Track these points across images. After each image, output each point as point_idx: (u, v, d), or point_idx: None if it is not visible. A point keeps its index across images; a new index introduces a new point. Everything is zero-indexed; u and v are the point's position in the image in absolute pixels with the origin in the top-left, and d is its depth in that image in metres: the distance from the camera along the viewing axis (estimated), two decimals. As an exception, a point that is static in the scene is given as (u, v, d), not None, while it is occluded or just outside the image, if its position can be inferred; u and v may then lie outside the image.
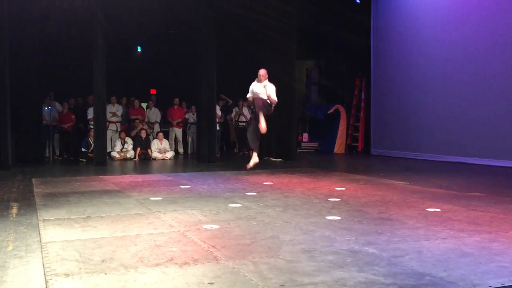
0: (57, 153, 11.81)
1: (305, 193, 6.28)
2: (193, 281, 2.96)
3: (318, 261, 3.34)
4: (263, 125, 7.14)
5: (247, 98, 7.96)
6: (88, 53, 10.50)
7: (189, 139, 13.07)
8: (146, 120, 12.53)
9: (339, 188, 6.68)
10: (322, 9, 13.28)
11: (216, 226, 4.39)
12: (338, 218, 4.74)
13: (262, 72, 7.68)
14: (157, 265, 3.27)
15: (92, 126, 11.21)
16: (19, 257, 3.51)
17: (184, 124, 12.88)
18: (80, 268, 3.20)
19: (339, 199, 5.79)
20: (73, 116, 11.78)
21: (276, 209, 5.23)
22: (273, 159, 11.47)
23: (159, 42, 13.48)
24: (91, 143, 11.11)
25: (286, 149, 11.51)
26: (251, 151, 7.80)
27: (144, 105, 13.10)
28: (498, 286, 2.87)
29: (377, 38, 12.92)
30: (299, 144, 13.67)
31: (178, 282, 2.95)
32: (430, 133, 11.34)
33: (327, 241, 3.86)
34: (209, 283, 2.91)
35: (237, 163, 10.42)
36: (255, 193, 6.27)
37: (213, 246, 3.70)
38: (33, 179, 7.74)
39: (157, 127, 12.59)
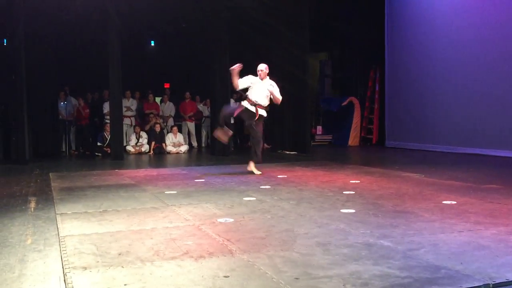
0: (73, 147, 11.96)
1: (320, 186, 6.26)
2: (209, 274, 2.98)
3: (333, 254, 3.33)
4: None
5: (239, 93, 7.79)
6: (103, 48, 10.59)
7: (203, 133, 13.12)
8: (160, 114, 12.60)
9: (354, 181, 6.65)
10: (335, 0, 13.18)
11: (231, 220, 4.41)
12: (353, 211, 4.72)
13: (263, 67, 7.09)
14: (172, 258, 3.29)
15: (107, 121, 11.32)
16: (37, 251, 3.57)
17: (198, 118, 12.93)
18: (97, 262, 3.25)
19: (354, 192, 5.76)
20: (87, 111, 11.90)
21: (291, 202, 5.23)
22: (287, 152, 11.47)
23: (172, 36, 13.51)
24: (107, 137, 11.23)
25: (300, 142, 11.49)
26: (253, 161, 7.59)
27: (158, 99, 13.17)
28: (515, 279, 2.84)
29: (391, 28, 12.77)
30: (313, 137, 13.63)
31: (193, 275, 2.97)
32: (446, 124, 11.19)
33: (342, 234, 3.85)
34: (224, 276, 2.93)
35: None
36: (269, 187, 6.27)
37: (228, 240, 3.72)
38: (50, 174, 7.84)
39: (171, 121, 12.65)
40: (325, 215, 4.55)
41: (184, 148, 11.86)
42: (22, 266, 3.23)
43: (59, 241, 3.78)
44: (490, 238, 3.69)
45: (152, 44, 14.37)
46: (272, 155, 10.93)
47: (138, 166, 9.41)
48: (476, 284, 2.76)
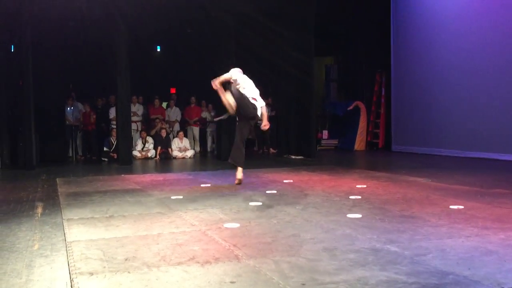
0: (80, 153, 12.02)
1: (326, 191, 6.25)
2: (215, 279, 2.98)
3: (340, 259, 3.32)
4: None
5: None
6: (109, 53, 10.65)
7: (209, 138, 13.14)
8: (166, 119, 12.64)
9: (360, 186, 6.63)
10: (341, 4, 13.17)
11: (237, 225, 4.41)
12: (359, 216, 4.70)
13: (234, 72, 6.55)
14: (179, 263, 3.30)
15: (114, 126, 11.37)
16: (44, 256, 3.59)
17: (202, 123, 12.96)
18: (104, 267, 3.25)
19: (360, 197, 5.74)
20: (94, 116, 11.96)
21: (297, 207, 5.22)
22: (293, 157, 11.45)
23: (178, 42, 13.57)
24: (113, 142, 11.27)
25: (306, 147, 11.48)
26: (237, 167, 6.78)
27: (164, 104, 13.22)
28: (524, 285, 2.82)
29: (397, 32, 12.74)
30: (319, 142, 13.61)
31: (199, 281, 2.97)
32: (453, 128, 11.14)
33: (348, 240, 3.84)
34: (230, 282, 2.93)
35: (257, 161, 10.44)
36: (275, 191, 6.27)
37: (234, 245, 3.72)
38: (57, 179, 7.88)
39: (177, 126, 12.69)
40: (331, 220, 4.54)
41: (190, 153, 11.88)
42: (29, 271, 3.24)
43: (66, 247, 3.79)
44: (498, 243, 3.66)
45: (158, 50, 14.44)
46: (278, 160, 10.93)
47: (144, 171, 9.43)
48: (485, 290, 2.74)
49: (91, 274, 3.12)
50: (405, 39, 12.51)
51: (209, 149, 13.13)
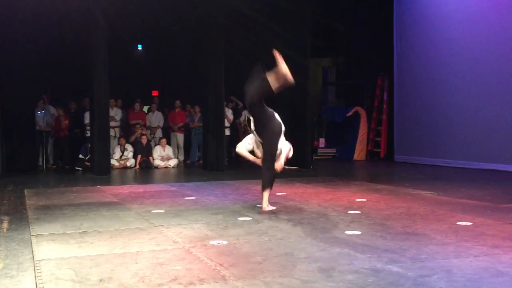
0: (51, 161, 11.93)
1: (322, 205, 6.26)
2: (199, 303, 2.96)
3: (337, 281, 3.33)
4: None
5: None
6: (85, 51, 10.60)
7: (194, 145, 13.10)
8: (147, 124, 12.60)
9: (360, 199, 6.65)
10: (341, 2, 13.28)
11: (224, 242, 4.40)
12: (359, 233, 4.72)
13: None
14: (159, 285, 3.28)
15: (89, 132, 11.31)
16: (9, 277, 3.55)
17: (187, 129, 12.88)
18: (76, 289, 3.23)
19: (360, 212, 5.76)
20: (67, 121, 11.89)
21: (290, 223, 5.22)
22: (287, 167, 11.44)
23: (161, 40, 13.55)
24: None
25: (301, 156, 11.46)
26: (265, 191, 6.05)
27: (145, 108, 13.18)
28: (537, 309, 2.84)
29: (400, 33, 12.87)
30: (315, 151, 13.65)
31: (182, 304, 2.96)
32: (460, 138, 11.23)
33: (347, 259, 3.84)
34: (216, 306, 2.92)
35: (247, 171, 10.42)
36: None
37: (220, 264, 3.71)
38: (25, 190, 7.82)
39: (159, 133, 12.64)
40: (328, 237, 4.55)
41: (173, 162, 11.86)
42: (-8, 293, 3.21)
43: (34, 266, 3.76)
44: (509, 263, 3.69)
45: (140, 48, 14.42)
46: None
47: (123, 182, 9.40)
48: (494, 315, 2.76)
49: (62, 296, 3.10)
50: (409, 40, 12.64)
51: (196, 158, 13.07)
